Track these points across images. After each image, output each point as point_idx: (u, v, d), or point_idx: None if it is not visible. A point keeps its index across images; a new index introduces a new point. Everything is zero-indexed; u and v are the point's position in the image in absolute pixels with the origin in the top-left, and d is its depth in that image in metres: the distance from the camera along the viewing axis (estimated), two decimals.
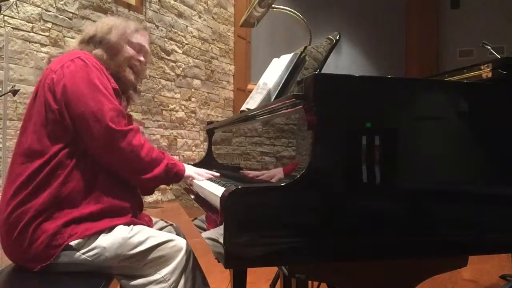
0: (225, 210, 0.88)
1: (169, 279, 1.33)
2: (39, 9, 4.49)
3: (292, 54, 1.55)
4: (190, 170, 1.51)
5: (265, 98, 1.52)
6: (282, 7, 1.82)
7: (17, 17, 4.27)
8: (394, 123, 1.01)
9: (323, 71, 1.34)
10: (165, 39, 6.37)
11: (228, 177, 1.61)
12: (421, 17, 9.25)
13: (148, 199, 5.56)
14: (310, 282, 1.51)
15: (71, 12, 4.86)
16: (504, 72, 1.21)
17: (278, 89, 1.49)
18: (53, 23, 4.64)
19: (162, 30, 6.29)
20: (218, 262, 0.96)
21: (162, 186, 1.59)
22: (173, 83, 6.54)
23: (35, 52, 4.43)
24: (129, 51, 1.52)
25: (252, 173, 1.44)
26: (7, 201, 1.32)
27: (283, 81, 1.50)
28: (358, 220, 0.96)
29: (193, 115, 7.01)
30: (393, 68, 8.95)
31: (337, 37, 1.37)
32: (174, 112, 6.57)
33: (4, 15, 4.02)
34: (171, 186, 1.74)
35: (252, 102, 1.59)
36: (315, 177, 0.93)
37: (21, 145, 1.36)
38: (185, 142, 6.82)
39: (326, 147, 0.95)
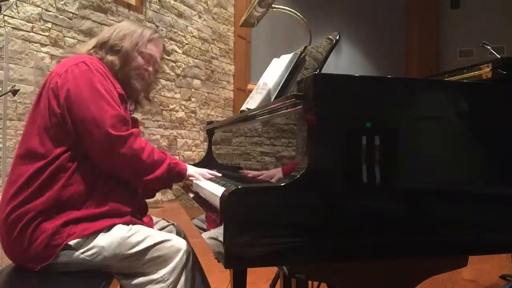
0: (225, 210, 0.88)
1: (167, 279, 1.33)
2: (39, 9, 4.49)
3: (292, 54, 1.55)
4: (192, 169, 1.51)
5: (265, 98, 1.52)
6: (282, 7, 1.82)
7: (17, 17, 4.27)
8: (394, 123, 1.01)
9: (323, 71, 1.34)
10: (165, 39, 6.37)
11: (228, 177, 1.61)
12: (421, 17, 9.25)
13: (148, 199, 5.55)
14: (310, 282, 1.51)
15: (71, 12, 4.86)
16: (504, 72, 1.21)
17: (278, 89, 1.49)
18: (53, 23, 4.64)
19: (162, 30, 6.29)
20: (218, 262, 0.96)
21: None
22: (173, 83, 6.54)
23: (35, 52, 4.43)
24: (139, 61, 1.52)
25: (252, 173, 1.44)
26: (7, 201, 1.32)
27: (283, 81, 1.50)
28: (358, 220, 0.96)
29: (193, 115, 7.01)
30: (393, 68, 8.95)
31: (337, 37, 1.37)
32: (174, 112, 6.57)
33: (4, 15, 4.02)
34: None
35: (252, 102, 1.59)
36: (315, 177, 0.93)
37: (24, 147, 1.37)
38: (185, 142, 6.82)
39: (326, 147, 0.95)
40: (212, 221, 1.07)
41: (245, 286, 1.89)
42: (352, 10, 9.02)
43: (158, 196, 5.96)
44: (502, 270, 2.93)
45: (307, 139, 0.97)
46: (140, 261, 1.34)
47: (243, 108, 1.65)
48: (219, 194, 0.94)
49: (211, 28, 7.47)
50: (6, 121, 3.44)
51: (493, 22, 8.42)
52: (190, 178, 1.51)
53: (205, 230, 1.14)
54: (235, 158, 1.67)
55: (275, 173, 1.23)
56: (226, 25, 7.89)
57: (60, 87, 1.35)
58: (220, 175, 1.58)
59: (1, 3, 2.52)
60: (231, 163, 1.74)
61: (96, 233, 1.31)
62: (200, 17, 7.17)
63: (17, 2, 4.19)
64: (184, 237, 1.63)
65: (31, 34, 4.40)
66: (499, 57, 2.54)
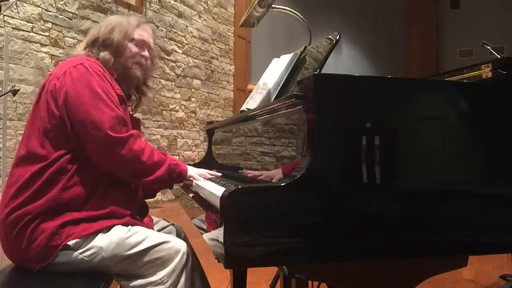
0: (225, 210, 0.88)
1: (167, 281, 1.33)
2: (39, 9, 4.49)
3: (292, 54, 1.55)
4: (192, 170, 1.51)
5: (265, 98, 1.52)
6: (282, 7, 1.81)
7: (17, 17, 4.27)
8: (394, 123, 1.01)
9: (323, 71, 1.34)
10: (165, 39, 6.37)
11: (228, 177, 1.61)
12: (421, 17, 9.26)
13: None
14: (310, 282, 1.51)
15: (71, 12, 4.87)
16: (504, 72, 1.21)
17: (278, 89, 1.49)
18: (53, 23, 4.64)
19: (162, 30, 6.29)
20: (218, 262, 0.96)
21: None
22: (173, 83, 6.54)
23: (35, 52, 4.43)
24: (133, 48, 1.52)
25: (251, 173, 1.44)
26: (7, 202, 1.32)
27: (283, 81, 1.50)
28: (358, 220, 0.96)
29: (193, 115, 7.01)
30: (393, 68, 8.96)
31: (337, 37, 1.37)
32: (174, 112, 6.57)
33: (4, 15, 4.02)
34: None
35: (252, 102, 1.59)
36: (315, 177, 0.93)
37: (24, 148, 1.36)
38: (185, 142, 6.82)
39: (326, 147, 0.95)
40: (212, 221, 1.07)
41: (245, 286, 1.89)
42: (352, 10, 9.02)
43: (158, 196, 5.96)
44: (502, 270, 2.93)
45: (307, 139, 0.97)
46: (139, 263, 1.33)
47: (243, 108, 1.65)
48: (219, 194, 0.94)
49: (211, 28, 7.47)
50: (6, 121, 3.44)
51: (493, 22, 8.43)
52: (190, 179, 1.51)
53: (205, 230, 1.14)
54: (235, 158, 1.67)
55: (275, 174, 1.23)
56: (226, 25, 7.90)
57: (58, 90, 1.35)
58: (220, 174, 1.58)
59: (1, 3, 2.52)
60: (231, 163, 1.74)
61: (95, 234, 1.31)
62: (200, 17, 7.17)
63: (17, 2, 4.19)
64: (184, 238, 1.63)
65: (31, 34, 4.41)
66: (499, 57, 2.54)
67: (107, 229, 1.33)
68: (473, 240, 1.04)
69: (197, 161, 2.11)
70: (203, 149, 6.94)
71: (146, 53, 1.55)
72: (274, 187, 0.94)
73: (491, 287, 2.72)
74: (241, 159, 1.59)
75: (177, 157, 6.47)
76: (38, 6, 4.48)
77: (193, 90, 7.01)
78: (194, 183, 1.51)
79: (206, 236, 1.08)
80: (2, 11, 2.64)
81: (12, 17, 4.21)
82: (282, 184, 0.92)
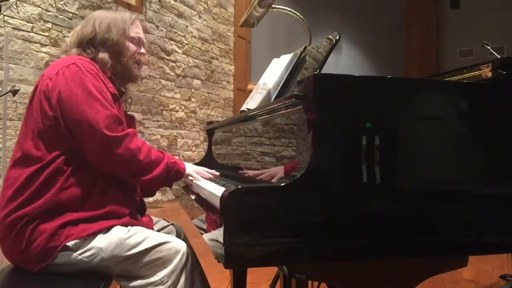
0: (225, 210, 0.88)
1: (166, 282, 1.32)
2: (39, 9, 4.49)
3: (292, 54, 1.55)
4: (190, 168, 1.51)
5: (265, 98, 1.52)
6: (282, 7, 1.81)
7: (17, 17, 4.27)
8: (394, 123, 1.01)
9: (323, 71, 1.34)
10: (165, 39, 6.37)
11: (228, 177, 1.60)
12: (421, 17, 9.26)
13: (148, 199, 5.54)
14: (310, 282, 1.51)
15: (71, 12, 4.87)
16: (504, 72, 1.21)
17: (278, 89, 1.49)
18: (53, 23, 4.64)
19: (162, 30, 6.29)
20: (218, 262, 0.96)
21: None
22: (173, 83, 6.54)
23: (35, 52, 4.43)
24: (131, 47, 1.52)
25: (251, 173, 1.44)
26: (4, 204, 1.32)
27: (283, 81, 1.50)
28: (358, 220, 0.96)
29: (193, 115, 7.01)
30: (393, 68, 8.96)
31: (337, 37, 1.37)
32: (174, 112, 6.57)
33: (4, 15, 4.02)
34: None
35: (252, 102, 1.59)
36: (315, 177, 0.93)
37: (20, 150, 1.36)
38: (185, 142, 6.82)
39: (326, 147, 0.95)
40: (212, 221, 1.07)
41: (245, 286, 1.89)
42: (352, 10, 9.02)
43: (158, 196, 5.96)
44: (502, 270, 2.93)
45: (307, 139, 0.97)
46: (139, 263, 1.33)
47: (243, 108, 1.65)
48: (219, 194, 0.94)
49: (211, 28, 7.47)
50: (6, 121, 3.44)
51: (493, 22, 8.43)
52: (189, 177, 1.51)
53: (205, 230, 1.14)
54: (235, 158, 1.67)
55: (277, 172, 1.23)
56: (226, 25, 7.90)
57: (51, 90, 1.33)
58: (218, 174, 1.58)
59: (1, 3, 2.52)
60: (231, 163, 1.74)
61: (94, 235, 1.31)
62: (200, 17, 7.17)
63: (17, 2, 4.19)
64: (184, 238, 1.63)
65: (31, 34, 4.41)
66: (499, 57, 2.54)
67: (107, 229, 1.32)
68: (473, 240, 1.04)
69: (197, 161, 2.11)
70: (203, 149, 6.94)
71: (143, 50, 1.56)
72: (274, 187, 0.94)
73: (491, 287, 2.72)
74: (241, 159, 1.59)
75: (177, 157, 6.46)
76: (38, 6, 4.48)
77: (193, 90, 7.01)
78: (194, 183, 1.51)
79: (206, 236, 1.08)
80: (2, 11, 2.64)
81: (12, 17, 4.21)
82: (282, 184, 0.92)
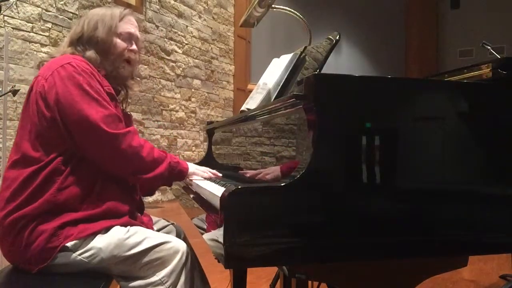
0: (225, 210, 0.88)
1: (166, 282, 1.32)
2: (39, 9, 4.49)
3: (292, 54, 1.55)
4: (192, 168, 1.50)
5: (265, 98, 1.52)
6: (282, 7, 1.81)
7: (17, 17, 4.27)
8: (394, 123, 1.01)
9: (323, 71, 1.34)
10: (165, 39, 6.37)
11: (228, 177, 1.61)
12: (421, 18, 9.26)
13: (148, 199, 5.56)
14: (310, 282, 1.51)
15: (71, 12, 4.87)
16: (504, 72, 1.21)
17: (278, 89, 1.49)
18: (53, 23, 4.64)
19: (162, 30, 6.29)
20: (218, 262, 0.96)
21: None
22: (173, 83, 6.54)
23: (35, 52, 4.43)
24: (120, 44, 1.47)
25: (250, 173, 1.44)
26: (3, 206, 1.31)
27: (283, 81, 1.50)
28: (358, 220, 0.96)
29: (193, 115, 7.01)
30: (393, 68, 8.96)
31: (337, 37, 1.37)
32: (174, 112, 6.57)
33: (4, 15, 4.02)
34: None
35: (252, 102, 1.59)
36: (315, 177, 0.93)
37: (17, 151, 1.35)
38: (185, 142, 6.82)
39: (326, 147, 0.95)
40: (212, 221, 1.07)
41: (245, 286, 1.89)
42: (352, 10, 9.02)
43: (158, 196, 5.96)
44: (502, 270, 2.93)
45: (307, 139, 0.97)
46: (138, 263, 1.32)
47: (243, 108, 1.65)
48: (219, 194, 0.94)
49: (211, 28, 7.47)
50: (6, 121, 3.44)
51: (493, 22, 8.43)
52: (191, 178, 1.50)
53: (205, 230, 1.14)
54: (235, 158, 1.67)
55: (273, 171, 1.23)
56: (226, 25, 7.89)
57: (47, 91, 1.32)
58: (220, 175, 1.58)
59: (1, 3, 2.52)
60: (231, 163, 1.74)
61: (93, 235, 1.30)
62: (200, 17, 7.17)
63: (17, 2, 4.19)
64: (184, 237, 1.63)
65: (31, 34, 4.41)
66: (499, 57, 2.54)
67: (106, 229, 1.32)
68: (473, 240, 1.04)
69: (197, 161, 2.11)
70: (203, 149, 6.94)
71: (134, 46, 1.51)
72: (274, 187, 0.94)
73: (491, 287, 2.72)
74: (241, 159, 1.59)
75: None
76: (38, 6, 4.48)
77: (193, 90, 7.01)
78: (194, 183, 1.51)
79: (206, 236, 1.08)
80: (2, 11, 2.64)
81: (12, 17, 4.21)
82: (282, 184, 0.92)
